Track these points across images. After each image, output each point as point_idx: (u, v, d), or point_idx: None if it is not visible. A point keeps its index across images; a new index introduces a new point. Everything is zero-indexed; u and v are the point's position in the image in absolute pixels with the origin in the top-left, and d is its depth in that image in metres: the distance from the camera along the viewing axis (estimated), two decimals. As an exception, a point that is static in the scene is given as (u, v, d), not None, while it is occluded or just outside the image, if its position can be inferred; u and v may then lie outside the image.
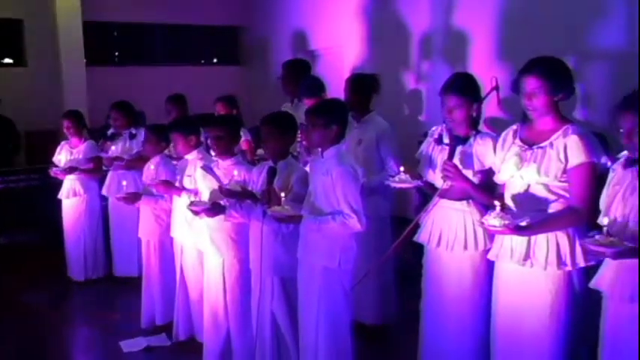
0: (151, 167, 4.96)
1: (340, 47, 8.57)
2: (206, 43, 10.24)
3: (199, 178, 4.33)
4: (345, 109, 3.76)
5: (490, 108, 4.56)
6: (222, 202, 4.04)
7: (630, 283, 2.80)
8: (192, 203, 4.10)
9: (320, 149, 3.69)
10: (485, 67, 6.27)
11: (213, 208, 4.02)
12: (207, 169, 4.16)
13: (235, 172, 3.97)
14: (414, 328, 3.92)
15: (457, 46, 7.13)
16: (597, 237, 2.73)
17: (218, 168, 4.22)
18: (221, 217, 4.05)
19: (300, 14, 9.30)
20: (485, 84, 3.92)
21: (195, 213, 4.11)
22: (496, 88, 4.41)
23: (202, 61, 10.25)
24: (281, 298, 3.87)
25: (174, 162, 5.06)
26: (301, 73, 5.62)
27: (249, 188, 3.97)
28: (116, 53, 9.75)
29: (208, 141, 4.34)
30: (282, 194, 3.59)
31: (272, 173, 3.79)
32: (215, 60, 10.39)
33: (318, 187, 3.60)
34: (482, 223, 3.07)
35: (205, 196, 4.26)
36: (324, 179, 3.56)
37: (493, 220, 3.01)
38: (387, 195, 4.77)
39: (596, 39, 5.85)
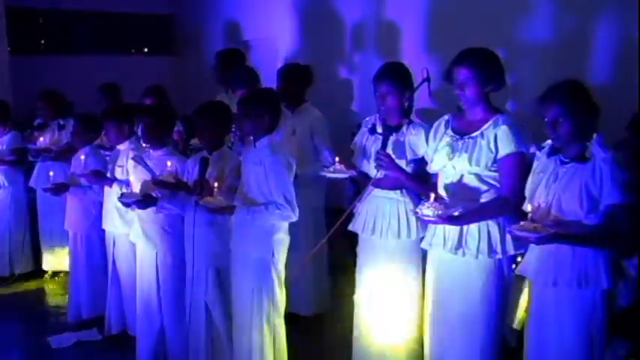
0: (80, 158, 4.83)
1: (273, 38, 8.53)
2: (137, 32, 10.00)
3: (131, 168, 4.26)
4: (277, 99, 3.76)
5: (421, 99, 4.62)
6: (153, 194, 3.98)
7: (552, 268, 2.92)
8: (122, 195, 4.04)
9: (253, 139, 3.68)
10: (416, 59, 6.32)
11: (145, 200, 3.96)
12: (138, 159, 4.09)
13: (169, 163, 3.91)
14: (348, 318, 3.95)
15: (389, 38, 7.18)
16: (522, 223, 2.82)
17: (150, 158, 4.15)
18: (153, 208, 3.99)
19: (234, 3, 9.21)
20: (416, 75, 3.97)
21: (127, 205, 4.04)
22: (427, 79, 4.47)
23: (133, 51, 10.03)
24: (215, 289, 3.86)
25: (106, 152, 4.96)
26: (235, 63, 5.58)
27: (184, 179, 3.92)
28: (42, 42, 9.43)
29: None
30: (216, 185, 3.57)
31: (205, 164, 3.75)
32: (146, 49, 10.19)
33: (251, 178, 3.59)
34: (417, 213, 3.12)
35: (137, 188, 4.19)
36: (256, 169, 3.56)
37: (427, 210, 3.06)
38: (320, 186, 4.79)
39: (523, 33, 5.98)
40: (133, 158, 4.19)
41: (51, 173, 5.09)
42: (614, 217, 2.82)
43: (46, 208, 6.05)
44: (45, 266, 6.23)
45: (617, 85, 5.16)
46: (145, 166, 4.01)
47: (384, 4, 7.31)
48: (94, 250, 4.97)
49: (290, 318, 4.01)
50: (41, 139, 5.95)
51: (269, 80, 5.40)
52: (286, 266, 3.75)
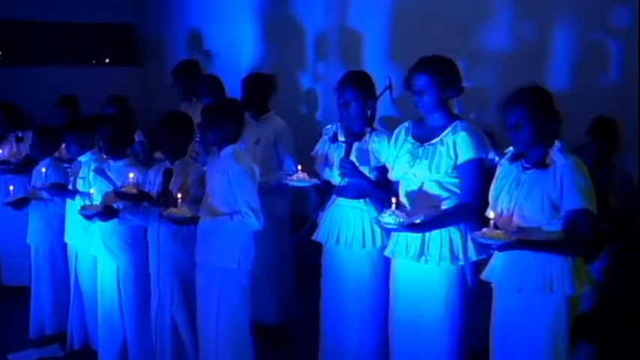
0: (41, 170, 4.74)
1: (236, 47, 8.50)
2: (97, 43, 9.85)
3: (92, 180, 4.19)
4: (240, 109, 3.75)
5: (384, 107, 4.65)
6: (115, 205, 3.93)
7: (517, 274, 2.93)
8: (83, 207, 3.97)
9: (217, 149, 3.65)
10: (379, 67, 6.35)
11: (106, 212, 3.89)
12: (99, 171, 4.03)
13: (131, 175, 3.85)
14: (315, 327, 3.93)
15: (351, 46, 7.21)
16: (484, 230, 2.83)
17: (111, 170, 4.09)
18: (115, 220, 3.93)
19: (196, 13, 9.15)
20: (379, 83, 3.99)
21: (88, 217, 3.97)
22: (389, 87, 4.50)
23: (93, 61, 9.90)
24: (181, 302, 3.82)
25: (66, 164, 4.87)
26: (192, 74, 5.55)
27: (146, 190, 3.87)
28: (0, 53, 9.26)
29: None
30: (179, 195, 3.54)
31: (168, 174, 3.72)
32: (107, 60, 10.06)
33: (215, 187, 3.57)
34: (378, 221, 3.12)
35: (99, 200, 4.12)
36: (220, 178, 3.54)
37: (388, 217, 3.07)
38: (285, 194, 4.77)
39: (485, 41, 6.06)
40: (94, 170, 4.14)
41: (11, 187, 4.98)
42: (575, 222, 2.84)
43: (6, 222, 5.91)
44: (4, 281, 6.08)
45: (577, 91, 5.25)
46: (107, 177, 3.95)
47: (346, 13, 7.33)
48: (57, 264, 4.87)
49: (256, 329, 3.98)
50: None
51: (232, 89, 5.38)
52: (250, 275, 3.73)
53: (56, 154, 4.96)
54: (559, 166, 2.87)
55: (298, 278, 4.96)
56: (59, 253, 4.82)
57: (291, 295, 4.94)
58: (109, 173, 4.04)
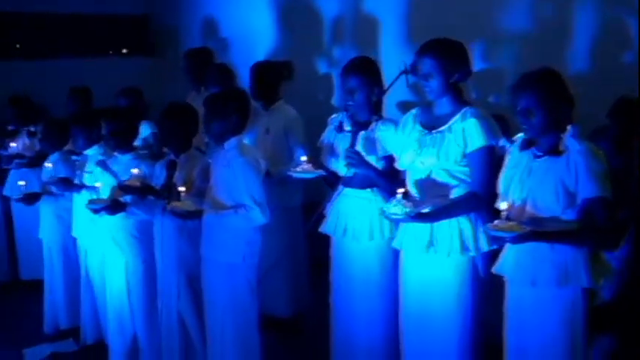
0: (49, 165, 4.70)
1: (252, 34, 8.42)
2: (113, 34, 9.82)
3: (98, 174, 4.13)
4: (246, 99, 3.65)
5: (401, 92, 4.55)
6: (122, 199, 3.87)
7: (531, 267, 2.81)
8: (90, 201, 3.91)
9: (221, 140, 3.57)
10: (395, 52, 6.25)
11: (113, 206, 3.83)
12: (103, 165, 3.97)
13: (135, 170, 3.77)
14: (327, 320, 3.83)
15: (367, 31, 7.10)
16: (496, 222, 2.71)
17: (117, 163, 4.04)
18: (123, 214, 3.87)
19: (211, 1, 9.09)
20: (395, 68, 3.88)
21: (95, 211, 3.91)
22: (405, 72, 4.40)
23: (110, 52, 9.87)
24: (187, 297, 3.76)
25: (77, 158, 4.83)
26: (205, 61, 5.45)
27: (153, 184, 3.81)
28: (17, 46, 9.25)
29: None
30: (182, 188, 3.46)
31: (171, 167, 3.65)
32: (124, 51, 10.02)
33: (219, 180, 3.50)
34: (384, 212, 3.01)
35: (106, 193, 4.07)
36: (224, 171, 3.46)
37: (394, 208, 2.97)
38: (297, 184, 4.67)
39: (502, 21, 5.91)
40: (97, 164, 4.08)
41: (21, 182, 4.95)
42: (592, 211, 2.71)
43: (22, 216, 5.92)
44: (22, 276, 6.09)
45: (599, 71, 5.09)
46: (110, 170, 3.90)
47: (362, -3, 7.22)
48: (70, 258, 4.82)
49: (267, 320, 3.91)
50: (12, 144, 5.83)
51: (248, 78, 5.30)
52: (258, 269, 3.65)
53: (68, 147, 4.92)
54: (573, 152, 2.73)
55: (311, 270, 4.86)
56: (71, 247, 4.77)
57: (304, 287, 4.86)
58: (114, 167, 3.96)
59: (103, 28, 9.64)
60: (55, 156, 4.79)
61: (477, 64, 6.19)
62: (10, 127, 6.02)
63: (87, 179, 4.35)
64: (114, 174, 3.91)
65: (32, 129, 5.88)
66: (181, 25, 9.50)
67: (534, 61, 5.23)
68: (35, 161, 5.58)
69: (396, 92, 3.93)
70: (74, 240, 4.67)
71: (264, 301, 4.70)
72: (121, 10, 9.63)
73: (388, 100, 4.67)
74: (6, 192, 5.97)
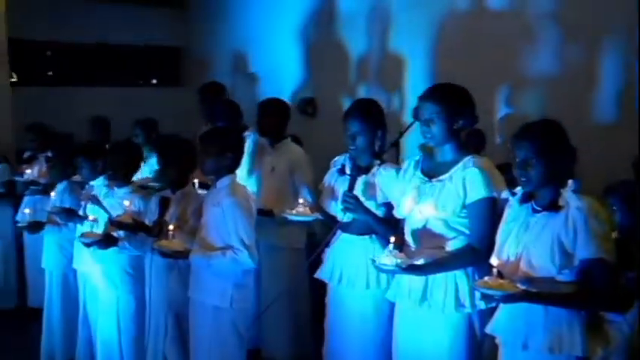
0: (53, 194, 4.65)
1: (280, 70, 8.43)
2: (145, 64, 9.94)
3: (91, 208, 4.06)
4: (240, 137, 3.55)
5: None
6: (115, 234, 3.78)
7: (523, 330, 2.60)
8: (82, 235, 3.83)
9: (214, 179, 3.46)
10: (420, 91, 6.14)
11: (105, 240, 3.75)
12: (94, 199, 3.90)
13: (126, 203, 3.69)
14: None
15: (393, 70, 7.07)
16: (486, 278, 2.53)
17: (114, 196, 3.96)
18: (115, 249, 3.78)
19: (241, 36, 9.14)
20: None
21: (87, 245, 3.83)
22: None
23: (141, 82, 9.96)
24: (174, 337, 3.64)
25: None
26: (213, 96, 5.40)
27: (147, 219, 3.71)
28: (50, 73, 9.39)
29: None
30: (171, 227, 3.34)
31: (164, 204, 3.55)
32: (155, 81, 10.11)
33: (210, 219, 3.37)
34: (374, 262, 2.85)
35: (102, 227, 3.98)
36: (215, 210, 3.34)
37: (385, 258, 2.81)
38: (301, 226, 4.53)
39: (528, 65, 5.80)
40: (88, 198, 4.00)
41: (26, 210, 4.92)
42: (591, 273, 2.51)
43: (33, 243, 5.88)
44: (30, 303, 6.03)
45: (625, 120, 4.89)
46: (101, 205, 3.81)
47: (389, 36, 7.20)
48: (69, 289, 4.74)
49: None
50: (28, 171, 5.82)
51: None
52: (251, 314, 3.52)
53: (77, 178, 4.88)
54: (572, 208, 2.53)
55: (313, 312, 4.68)
56: (72, 278, 4.69)
57: (307, 330, 4.68)
58: (110, 200, 3.88)
59: (136, 59, 9.77)
60: (61, 185, 4.74)
61: (502, 109, 6.10)
62: (26, 154, 6.03)
63: (90, 211, 4.28)
64: (104, 209, 3.82)
65: (50, 155, 5.87)
66: (212, 58, 9.57)
67: (560, 106, 5.12)
68: (50, 188, 5.56)
69: (417, 133, 3.80)
70: (75, 272, 4.60)
71: (265, 342, 4.58)
72: (155, 42, 9.74)
73: (408, 141, 4.55)
74: (19, 218, 5.95)
